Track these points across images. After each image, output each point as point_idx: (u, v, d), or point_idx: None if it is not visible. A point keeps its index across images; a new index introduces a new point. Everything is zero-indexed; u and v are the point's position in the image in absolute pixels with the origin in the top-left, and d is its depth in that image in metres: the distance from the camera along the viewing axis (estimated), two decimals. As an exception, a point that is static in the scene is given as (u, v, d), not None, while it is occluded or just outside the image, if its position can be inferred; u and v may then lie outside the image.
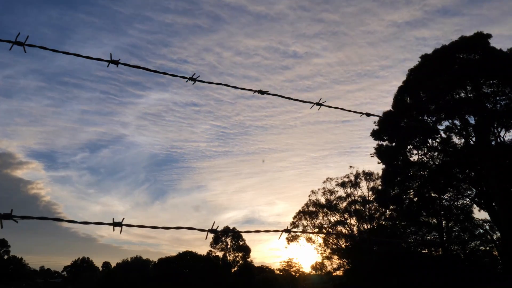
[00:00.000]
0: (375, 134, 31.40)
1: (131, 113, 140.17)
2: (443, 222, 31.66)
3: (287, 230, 2.50)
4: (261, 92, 2.93)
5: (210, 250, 71.88)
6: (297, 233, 43.28)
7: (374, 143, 32.02)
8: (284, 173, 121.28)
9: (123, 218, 1.99)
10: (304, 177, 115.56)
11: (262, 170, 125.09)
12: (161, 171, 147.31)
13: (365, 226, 41.81)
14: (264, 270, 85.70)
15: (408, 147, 30.80)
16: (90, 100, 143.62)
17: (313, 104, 3.06)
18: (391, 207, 33.53)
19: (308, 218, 43.72)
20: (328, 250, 44.03)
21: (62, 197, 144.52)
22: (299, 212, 44.48)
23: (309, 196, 44.69)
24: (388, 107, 32.04)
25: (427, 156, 30.84)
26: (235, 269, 70.97)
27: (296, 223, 43.82)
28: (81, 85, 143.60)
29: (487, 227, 30.80)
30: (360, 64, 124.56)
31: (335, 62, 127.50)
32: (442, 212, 31.41)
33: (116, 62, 2.33)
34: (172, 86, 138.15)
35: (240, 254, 71.70)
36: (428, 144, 30.47)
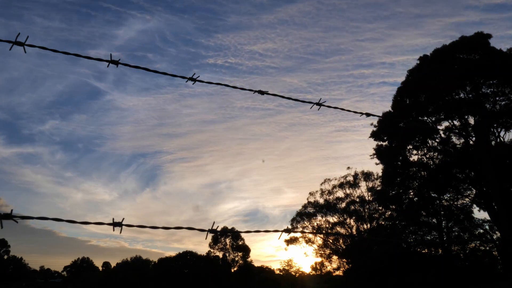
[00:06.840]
0: (374, 135, 31.43)
1: (105, 52, 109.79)
2: (443, 222, 31.63)
3: (287, 230, 2.50)
4: (261, 92, 2.94)
5: (209, 251, 71.84)
6: (296, 235, 43.27)
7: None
8: (293, 156, 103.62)
9: (123, 218, 1.99)
10: (318, 160, 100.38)
11: (269, 150, 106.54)
12: (149, 148, 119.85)
13: (365, 226, 41.80)
14: (264, 270, 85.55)
15: (408, 147, 30.79)
16: (47, 34, 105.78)
17: (313, 104, 3.06)
18: (391, 207, 33.51)
19: (306, 220, 43.76)
20: (328, 251, 44.05)
21: (35, 182, 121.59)
22: (297, 214, 44.54)
23: (307, 198, 44.93)
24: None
25: (427, 156, 30.82)
26: (235, 269, 70.89)
27: (294, 225, 43.87)
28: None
29: (487, 227, 30.76)
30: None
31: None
32: (442, 212, 31.37)
33: (116, 62, 2.33)
34: (158, 10, 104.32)
35: (239, 254, 71.61)
36: (428, 144, 30.45)
